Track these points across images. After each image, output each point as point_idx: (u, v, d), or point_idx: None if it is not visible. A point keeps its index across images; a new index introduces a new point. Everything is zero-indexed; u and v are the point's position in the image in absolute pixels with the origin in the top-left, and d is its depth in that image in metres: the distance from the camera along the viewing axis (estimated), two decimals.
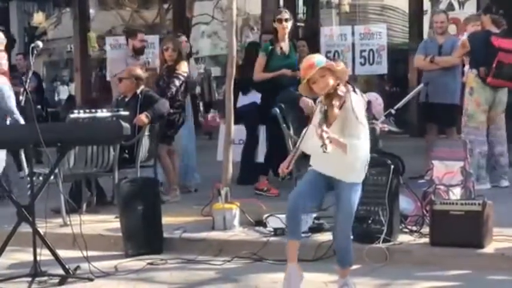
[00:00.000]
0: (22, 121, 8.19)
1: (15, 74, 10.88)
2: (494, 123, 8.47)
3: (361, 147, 4.94)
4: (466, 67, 8.58)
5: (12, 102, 8.20)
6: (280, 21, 8.47)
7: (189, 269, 6.13)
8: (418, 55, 9.23)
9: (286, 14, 8.53)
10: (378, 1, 16.70)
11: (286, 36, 8.53)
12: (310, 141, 4.98)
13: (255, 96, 9.25)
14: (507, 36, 8.32)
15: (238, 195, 7.22)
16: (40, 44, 6.24)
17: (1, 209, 7.37)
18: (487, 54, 8.19)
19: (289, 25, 8.48)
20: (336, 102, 4.84)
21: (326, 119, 4.80)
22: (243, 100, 9.23)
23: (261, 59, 8.58)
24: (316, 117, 4.97)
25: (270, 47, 8.53)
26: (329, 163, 4.97)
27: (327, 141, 4.63)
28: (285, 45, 8.56)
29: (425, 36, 12.74)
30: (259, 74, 8.59)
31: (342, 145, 4.81)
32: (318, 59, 5.02)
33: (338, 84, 4.93)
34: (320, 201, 5.27)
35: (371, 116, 7.77)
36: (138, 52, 9.28)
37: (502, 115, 8.52)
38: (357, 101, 4.95)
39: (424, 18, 12.80)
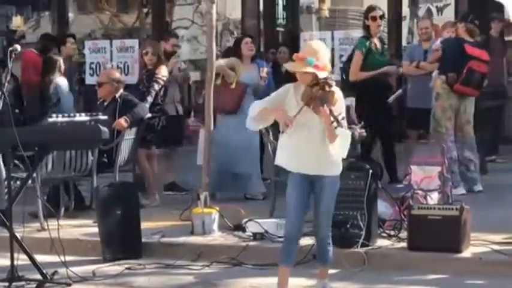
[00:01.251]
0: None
1: None
2: (460, 132, 8.45)
3: (349, 135, 5.03)
4: (434, 73, 8.60)
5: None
6: (374, 18, 8.38)
7: (167, 273, 6.11)
8: (404, 61, 9.28)
9: (380, 11, 8.47)
10: (357, 6, 16.77)
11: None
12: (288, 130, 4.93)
13: None
14: (479, 47, 8.35)
15: (217, 200, 7.22)
16: (18, 47, 6.20)
17: None
18: (458, 61, 8.20)
19: (382, 22, 8.41)
20: (328, 89, 4.90)
21: (328, 101, 4.85)
22: None
23: (358, 57, 8.36)
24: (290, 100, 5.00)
25: (368, 43, 8.38)
26: (313, 158, 4.99)
27: (339, 117, 4.76)
28: (377, 42, 8.51)
29: (403, 41, 12.83)
30: (359, 73, 8.34)
31: (332, 131, 4.85)
32: (312, 58, 4.97)
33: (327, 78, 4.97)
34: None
35: (350, 121, 7.78)
36: (168, 55, 9.16)
37: (469, 125, 8.43)
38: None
39: (402, 24, 12.87)
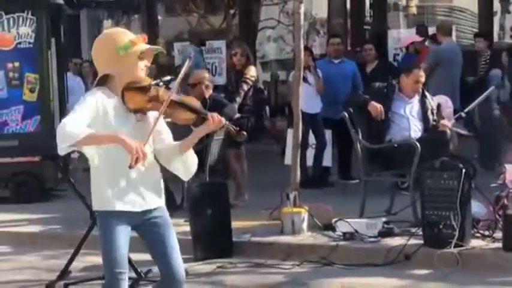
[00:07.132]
0: None
1: None
2: None
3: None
4: None
5: None
6: None
7: (258, 272, 6.15)
8: None
9: None
10: (446, 2, 16.50)
11: None
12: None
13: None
14: None
15: (306, 199, 7.21)
16: None
17: (74, 211, 7.50)
18: None
19: None
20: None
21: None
22: None
23: None
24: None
25: None
26: (145, 188, 3.90)
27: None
28: None
29: (495, 37, 12.54)
30: None
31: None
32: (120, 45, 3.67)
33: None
34: None
35: (441, 119, 7.65)
36: None
37: None
38: None
39: (494, 19, 12.59)
